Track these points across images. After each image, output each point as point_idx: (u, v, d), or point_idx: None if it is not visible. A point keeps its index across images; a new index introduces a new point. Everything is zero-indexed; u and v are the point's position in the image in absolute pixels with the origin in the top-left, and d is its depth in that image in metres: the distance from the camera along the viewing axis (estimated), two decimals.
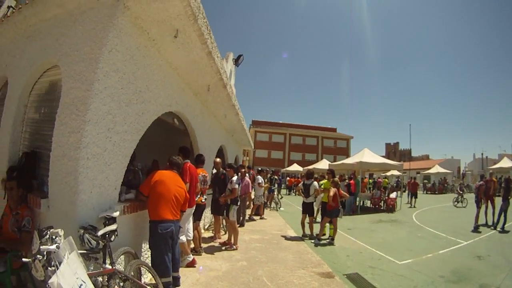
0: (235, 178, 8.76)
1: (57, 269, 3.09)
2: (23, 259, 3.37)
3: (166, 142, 10.55)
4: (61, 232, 3.45)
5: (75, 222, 4.08)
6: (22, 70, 5.65)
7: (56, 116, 4.45)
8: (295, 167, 40.97)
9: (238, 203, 9.09)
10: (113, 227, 4.30)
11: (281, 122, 71.95)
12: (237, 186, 8.65)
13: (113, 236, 4.28)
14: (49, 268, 3.15)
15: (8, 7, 9.93)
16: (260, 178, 15.39)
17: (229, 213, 8.75)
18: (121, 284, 4.12)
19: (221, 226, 10.08)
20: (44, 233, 3.41)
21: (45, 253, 3.16)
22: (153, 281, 4.92)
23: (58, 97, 4.72)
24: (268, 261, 7.46)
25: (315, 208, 11.24)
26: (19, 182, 4.68)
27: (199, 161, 7.74)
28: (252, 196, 15.42)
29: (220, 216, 9.44)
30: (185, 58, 5.70)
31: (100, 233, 4.07)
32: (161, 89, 5.74)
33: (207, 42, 5.26)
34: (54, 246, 3.20)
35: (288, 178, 36.33)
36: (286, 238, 10.40)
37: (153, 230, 5.02)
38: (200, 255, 7.68)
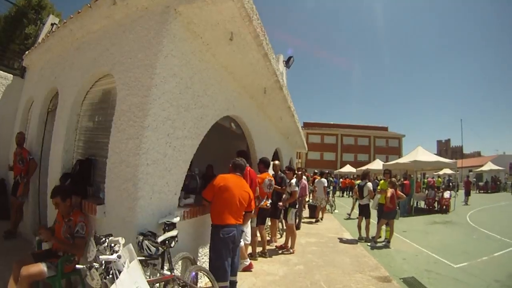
0: (294, 180, 8.47)
1: (116, 278, 2.91)
2: (77, 266, 3.25)
3: (220, 146, 10.40)
4: (121, 240, 3.29)
5: (134, 228, 3.93)
6: (73, 81, 5.60)
7: (112, 123, 4.35)
8: (348, 168, 39.08)
9: (297, 206, 8.81)
10: (173, 233, 4.13)
11: (332, 122, 68.25)
12: (296, 188, 8.38)
13: (173, 242, 4.10)
14: (107, 277, 2.98)
15: (52, 24, 10.13)
16: (325, 181, 14.90)
17: (287, 216, 8.46)
18: None
19: (278, 229, 9.74)
20: (102, 240, 3.26)
21: (103, 262, 2.99)
22: (209, 285, 4.74)
23: (113, 105, 4.65)
24: (325, 265, 7.19)
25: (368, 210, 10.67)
26: (66, 193, 4.49)
27: (265, 164, 7.46)
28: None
29: (277, 220, 9.07)
30: (240, 61, 5.55)
31: (160, 239, 3.90)
32: (218, 93, 5.60)
33: (262, 44, 5.08)
34: (115, 256, 3.03)
35: (341, 180, 35.31)
36: (342, 241, 10.05)
37: (215, 234, 4.80)
38: (266, 257, 7.50)
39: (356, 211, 17.17)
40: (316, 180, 15.48)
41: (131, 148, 4.00)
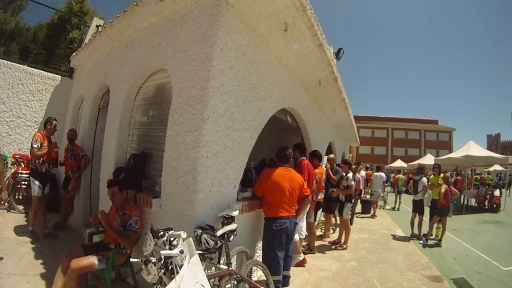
0: (350, 174, 8.08)
1: (176, 273, 2.69)
2: (131, 259, 3.13)
3: (273, 140, 10.14)
4: (183, 234, 3.06)
5: (192, 222, 3.74)
6: (124, 78, 5.48)
7: (169, 116, 4.18)
8: (398, 163, 36.40)
9: (353, 201, 8.48)
10: (232, 226, 3.91)
11: (382, 116, 64.03)
12: (353, 183, 7.99)
13: (232, 236, 3.89)
14: (166, 272, 2.77)
15: (97, 26, 10.11)
16: (383, 175, 14.39)
17: (342, 211, 8.11)
18: (235, 284, 3.70)
19: (331, 224, 9.41)
20: (160, 234, 3.06)
21: (163, 257, 2.77)
22: (262, 278, 4.53)
23: (167, 99, 4.51)
24: (378, 262, 6.88)
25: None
26: (123, 184, 4.35)
27: (318, 158, 7.15)
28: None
29: (331, 214, 8.72)
30: (295, 52, 5.28)
31: (219, 233, 3.67)
32: (274, 85, 5.35)
33: (317, 34, 4.79)
34: (176, 251, 2.79)
35: (392, 175, 33.70)
36: (395, 237, 9.62)
37: (268, 226, 4.65)
38: (314, 254, 7.18)
39: (403, 205, 16.96)
40: (374, 174, 14.81)
41: (190, 141, 3.81)
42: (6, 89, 8.69)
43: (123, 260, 4.21)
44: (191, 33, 4.13)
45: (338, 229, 9.19)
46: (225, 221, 3.97)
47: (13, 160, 8.42)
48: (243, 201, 4.74)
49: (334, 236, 8.68)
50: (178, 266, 2.74)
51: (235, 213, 4.10)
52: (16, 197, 7.97)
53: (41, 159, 6.17)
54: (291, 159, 5.21)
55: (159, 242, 3.04)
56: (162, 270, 2.78)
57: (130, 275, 4.43)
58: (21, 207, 7.79)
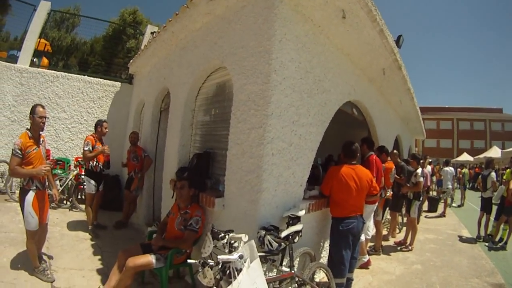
0: (419, 170, 7.52)
1: (233, 278, 2.48)
2: (188, 261, 2.86)
3: (338, 135, 9.69)
4: (244, 238, 2.83)
5: (256, 222, 3.53)
6: (183, 79, 5.42)
7: (231, 114, 4.01)
8: (465, 157, 32.97)
9: (421, 198, 7.89)
10: (298, 227, 3.65)
11: (447, 106, 57.89)
12: (422, 179, 7.41)
13: (297, 237, 3.61)
14: (223, 277, 2.56)
15: (151, 33, 10.19)
16: (453, 170, 13.32)
17: (410, 209, 7.55)
18: (296, 287, 3.48)
19: (397, 224, 8.87)
20: (221, 236, 2.87)
21: (220, 261, 2.55)
22: (325, 280, 4.25)
23: (229, 97, 4.35)
24: (443, 266, 6.34)
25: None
26: (190, 182, 4.26)
27: (384, 152, 6.78)
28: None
29: (397, 213, 8.22)
30: (355, 40, 4.95)
31: (283, 234, 3.42)
32: (338, 77, 5.03)
33: (376, 19, 4.44)
34: (236, 256, 2.56)
35: (458, 170, 30.74)
36: (461, 239, 8.87)
37: (335, 227, 4.37)
38: (379, 255, 6.78)
39: (468, 202, 15.84)
40: (443, 170, 13.63)
41: (254, 138, 3.62)
42: (66, 98, 9.15)
43: (182, 259, 4.10)
44: (247, 28, 3.96)
45: (404, 228, 8.68)
46: (291, 221, 3.73)
47: (75, 163, 8.76)
48: (310, 200, 4.49)
49: (399, 236, 8.17)
50: (236, 271, 2.54)
51: (301, 213, 3.85)
52: (79, 197, 8.29)
53: (96, 160, 6.32)
54: (358, 154, 4.87)
55: (219, 244, 2.86)
56: (219, 274, 2.58)
57: (189, 274, 4.36)
58: (82, 206, 7.90)
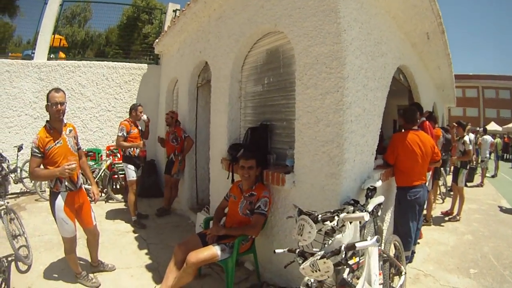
0: (467, 137, 6.99)
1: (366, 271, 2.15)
2: (276, 251, 2.38)
3: None
4: (366, 216, 2.29)
5: (337, 197, 3.05)
6: (225, 49, 4.85)
7: (296, 80, 3.46)
8: (492, 126, 30.73)
9: (468, 167, 7.31)
10: (380, 199, 3.20)
11: (471, 73, 53.06)
12: (471, 147, 6.91)
13: (380, 210, 3.20)
14: (354, 271, 2.12)
15: (174, 10, 9.66)
16: (491, 139, 12.64)
17: (457, 179, 7.03)
18: (381, 265, 2.98)
19: (438, 192, 8.31)
20: (327, 217, 2.37)
21: (343, 248, 2.01)
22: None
23: (285, 63, 3.84)
24: (491, 236, 5.91)
25: None
26: (260, 158, 3.73)
27: (432, 119, 6.20)
28: None
29: (438, 181, 7.64)
30: (403, 3, 4.33)
31: (370, 208, 2.95)
32: (390, 40, 4.49)
33: None
34: (373, 240, 2.02)
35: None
36: (501, 209, 8.33)
37: (402, 197, 4.09)
38: (430, 225, 6.39)
39: (501, 173, 15.09)
40: (483, 138, 12.84)
41: (330, 104, 3.08)
42: (90, 87, 8.75)
43: (247, 246, 3.64)
44: None
45: (447, 198, 8.22)
46: (369, 193, 3.29)
47: (107, 152, 8.35)
48: (379, 169, 4.00)
49: (444, 207, 7.63)
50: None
51: (379, 184, 3.43)
52: (114, 187, 7.86)
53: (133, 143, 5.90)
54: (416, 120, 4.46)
55: (328, 229, 2.34)
56: (350, 269, 2.08)
57: (247, 260, 4.08)
58: (119, 196, 7.65)
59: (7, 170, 6.68)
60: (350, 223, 2.44)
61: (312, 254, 2.09)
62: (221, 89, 4.87)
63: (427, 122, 5.30)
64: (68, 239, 3.58)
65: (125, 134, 5.76)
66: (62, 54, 10.37)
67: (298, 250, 2.24)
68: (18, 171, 7.53)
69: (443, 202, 8.31)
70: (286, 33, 3.64)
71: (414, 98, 6.78)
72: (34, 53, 8.63)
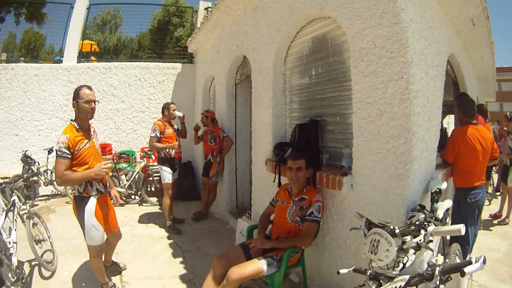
0: None
1: None
2: (340, 271, 2.00)
3: None
4: (463, 229, 1.89)
5: (403, 203, 2.64)
6: (265, 40, 4.54)
7: (352, 68, 3.08)
8: None
9: None
10: (448, 203, 2.84)
11: (505, 66, 47.55)
12: None
13: (448, 217, 2.90)
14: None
15: (205, 9, 9.53)
16: None
17: (507, 178, 6.42)
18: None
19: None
20: (409, 230, 2.02)
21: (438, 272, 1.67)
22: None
23: (334, 51, 3.47)
24: None
25: None
26: (311, 159, 3.35)
27: (482, 112, 5.91)
28: None
29: (488, 181, 6.97)
30: None
31: (440, 214, 2.60)
32: (439, 26, 4.00)
33: None
34: (480, 262, 1.66)
35: None
36: None
37: (461, 199, 3.68)
38: (480, 229, 5.82)
39: None
40: None
41: (393, 93, 2.69)
42: (122, 88, 8.78)
43: (296, 259, 3.27)
44: None
45: (493, 200, 7.70)
46: (435, 197, 2.88)
47: (141, 154, 8.33)
48: (439, 169, 3.54)
49: (489, 208, 7.02)
50: None
51: (444, 185, 3.00)
52: (148, 189, 7.76)
53: (167, 143, 5.68)
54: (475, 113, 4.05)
55: (408, 245, 1.94)
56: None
57: (293, 271, 3.78)
58: (153, 199, 7.53)
59: (36, 172, 6.74)
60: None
61: (390, 278, 1.72)
62: (263, 83, 4.57)
63: (479, 116, 4.93)
64: (95, 248, 3.34)
65: (158, 134, 5.57)
66: (94, 59, 10.51)
67: (369, 272, 1.86)
68: (49, 174, 7.59)
69: (490, 203, 7.66)
70: (335, 17, 3.28)
71: (460, 91, 6.27)
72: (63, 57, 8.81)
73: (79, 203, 3.25)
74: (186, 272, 4.13)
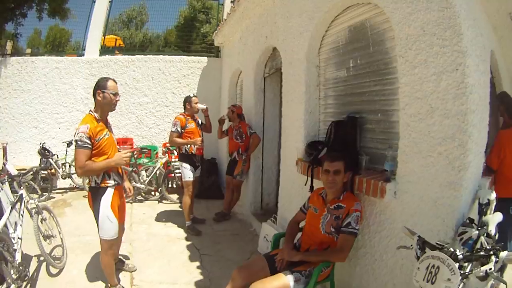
0: None
1: None
2: None
3: None
4: None
5: (455, 216, 2.29)
6: (297, 29, 4.24)
7: (398, 57, 2.73)
8: None
9: None
10: (498, 217, 2.49)
11: None
12: None
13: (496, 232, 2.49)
14: None
15: (232, 1, 9.26)
16: None
17: None
18: None
19: None
20: (477, 256, 1.72)
21: None
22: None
23: (375, 40, 3.14)
24: None
25: None
26: (350, 162, 3.01)
27: None
28: None
29: None
30: None
31: (492, 230, 2.30)
32: (481, 19, 3.61)
33: None
34: None
35: None
36: None
37: (502, 210, 3.14)
38: None
39: None
40: None
41: (447, 87, 2.36)
42: (145, 82, 8.78)
43: (326, 274, 2.92)
44: None
45: None
46: (483, 209, 2.53)
47: (163, 149, 8.27)
48: (487, 176, 3.19)
49: None
50: None
51: (493, 196, 2.65)
52: (170, 185, 7.75)
53: (190, 139, 5.46)
54: None
55: (476, 274, 1.61)
56: None
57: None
58: (174, 197, 7.38)
59: (55, 165, 6.97)
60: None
61: None
62: (295, 76, 4.28)
63: None
64: (108, 242, 3.31)
65: (179, 129, 5.38)
66: (118, 53, 10.56)
67: None
68: (67, 167, 7.65)
69: None
70: (376, 1, 2.98)
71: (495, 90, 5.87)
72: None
73: (95, 194, 3.26)
74: (202, 278, 3.94)
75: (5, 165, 6.89)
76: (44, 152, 7.16)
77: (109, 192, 3.26)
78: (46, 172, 7.21)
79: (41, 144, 7.28)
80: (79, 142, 3.02)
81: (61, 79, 8.39)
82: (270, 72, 5.77)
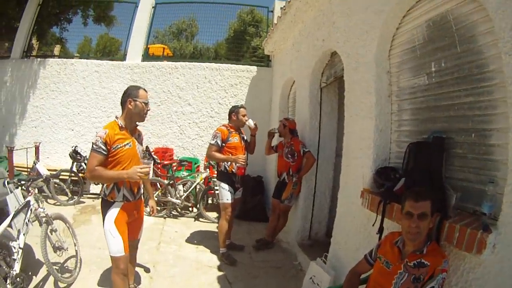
0: None
1: None
2: None
3: None
4: None
5: None
6: (361, 27, 3.68)
7: (503, 55, 2.03)
8: None
9: None
10: None
11: None
12: None
13: None
14: None
15: (281, 8, 8.99)
16: None
17: None
18: None
19: None
20: None
21: None
22: None
23: (462, 37, 2.46)
24: None
25: None
26: (437, 201, 2.27)
27: None
28: None
29: None
30: None
31: None
32: None
33: None
34: None
35: None
36: None
37: None
38: None
39: None
40: None
41: None
42: (190, 90, 8.71)
43: None
44: None
45: None
46: None
47: (205, 164, 7.85)
48: None
49: None
50: None
51: None
52: (210, 202, 7.47)
53: (230, 155, 4.98)
54: None
55: None
56: None
57: None
58: (212, 215, 7.02)
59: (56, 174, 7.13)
60: None
61: None
62: (362, 84, 3.65)
63: None
64: (114, 260, 3.18)
65: (219, 142, 4.94)
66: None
67: None
68: None
69: None
70: None
71: None
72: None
73: (103, 205, 3.26)
74: None
75: (35, 164, 7.05)
76: (75, 156, 7.27)
77: (115, 207, 3.18)
78: (77, 176, 7.30)
79: (73, 147, 7.39)
80: (94, 146, 3.01)
81: (100, 83, 8.56)
82: (328, 82, 5.23)
